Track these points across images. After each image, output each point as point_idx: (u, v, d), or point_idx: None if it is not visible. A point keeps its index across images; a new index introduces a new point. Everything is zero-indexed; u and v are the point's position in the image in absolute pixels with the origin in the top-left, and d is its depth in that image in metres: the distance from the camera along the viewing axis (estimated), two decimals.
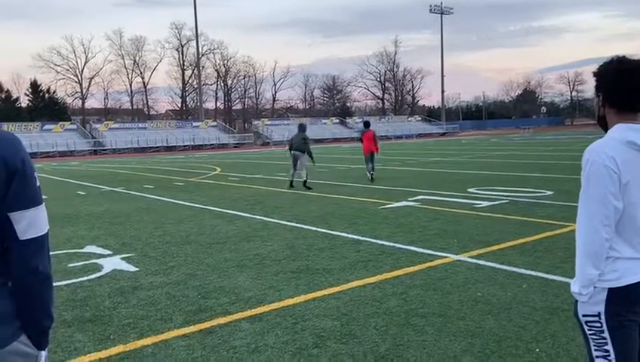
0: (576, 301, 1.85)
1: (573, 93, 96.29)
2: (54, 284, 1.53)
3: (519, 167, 16.19)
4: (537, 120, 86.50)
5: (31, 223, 1.43)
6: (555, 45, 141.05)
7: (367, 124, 14.79)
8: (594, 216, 1.75)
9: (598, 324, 1.78)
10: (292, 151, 12.82)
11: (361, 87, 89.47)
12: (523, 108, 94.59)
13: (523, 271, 5.02)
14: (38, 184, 1.47)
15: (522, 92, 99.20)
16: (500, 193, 10.39)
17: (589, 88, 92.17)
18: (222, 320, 4.03)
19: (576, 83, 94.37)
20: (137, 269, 5.65)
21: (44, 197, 1.49)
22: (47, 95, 63.22)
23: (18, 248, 1.42)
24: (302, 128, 13.01)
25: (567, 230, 6.69)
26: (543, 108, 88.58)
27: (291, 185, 12.73)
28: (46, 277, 1.47)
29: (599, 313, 1.77)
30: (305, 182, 12.49)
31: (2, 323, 1.40)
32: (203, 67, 71.90)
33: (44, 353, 1.50)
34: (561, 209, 8.31)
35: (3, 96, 60.91)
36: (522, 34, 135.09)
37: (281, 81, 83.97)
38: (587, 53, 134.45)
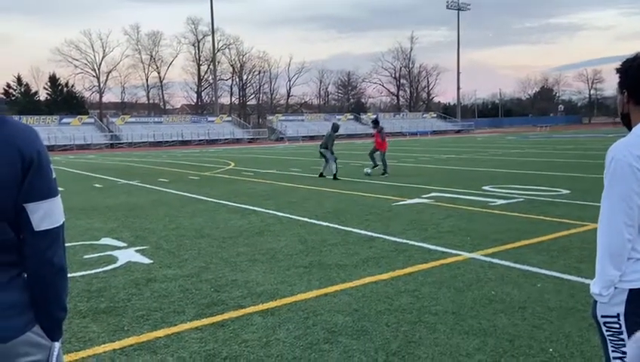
0: (595, 301, 1.81)
1: (592, 91, 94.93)
2: (70, 275, 1.54)
3: (535, 165, 16.00)
4: (555, 118, 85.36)
5: (46, 214, 1.43)
6: (573, 43, 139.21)
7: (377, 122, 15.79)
8: (616, 216, 1.71)
9: (617, 326, 1.75)
10: (320, 148, 14.45)
11: (375, 83, 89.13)
12: (540, 106, 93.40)
13: (537, 270, 4.96)
14: (53, 176, 1.48)
15: (540, 90, 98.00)
16: (516, 191, 10.27)
17: (607, 86, 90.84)
18: (234, 314, 4.05)
19: (594, 81, 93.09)
20: (151, 262, 5.70)
21: (61, 189, 1.51)
22: (65, 89, 64.01)
23: (33, 239, 1.43)
24: (332, 128, 14.50)
25: (583, 229, 6.60)
26: (561, 106, 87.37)
27: (334, 178, 13.68)
28: (60, 269, 1.48)
29: (619, 314, 1.74)
30: (334, 175, 13.76)
31: (16, 313, 1.41)
32: (218, 62, 72.18)
33: (57, 344, 1.51)
34: (578, 208, 8.20)
35: (22, 89, 61.78)
36: (539, 31, 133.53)
37: (296, 76, 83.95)
38: (606, 51, 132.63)
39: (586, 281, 4.45)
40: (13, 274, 1.44)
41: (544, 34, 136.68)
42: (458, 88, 76.54)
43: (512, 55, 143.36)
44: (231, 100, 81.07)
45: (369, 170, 14.36)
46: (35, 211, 1.42)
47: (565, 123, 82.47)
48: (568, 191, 10.02)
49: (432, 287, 4.55)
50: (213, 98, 69.39)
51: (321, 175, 14.12)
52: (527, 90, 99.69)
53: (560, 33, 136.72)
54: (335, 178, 13.59)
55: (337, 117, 66.25)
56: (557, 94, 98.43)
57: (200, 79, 77.39)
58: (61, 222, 1.48)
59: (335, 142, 14.42)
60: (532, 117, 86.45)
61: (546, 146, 26.84)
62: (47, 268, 1.45)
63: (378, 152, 14.48)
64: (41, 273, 1.45)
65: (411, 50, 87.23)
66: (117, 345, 3.57)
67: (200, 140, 52.59)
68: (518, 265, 5.13)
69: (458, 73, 75.10)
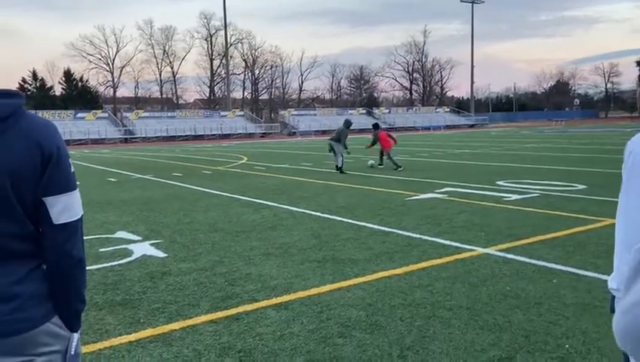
0: (613, 297, 1.79)
1: (609, 85, 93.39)
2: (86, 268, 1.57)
3: (551, 160, 15.82)
4: (570, 112, 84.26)
5: (65, 208, 1.45)
6: (589, 36, 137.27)
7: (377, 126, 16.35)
8: (634, 210, 1.68)
9: None
10: (329, 140, 14.69)
11: (388, 77, 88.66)
12: (556, 100, 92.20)
13: (553, 265, 4.91)
14: (72, 170, 1.49)
15: (555, 83, 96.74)
16: (531, 186, 10.17)
17: (625, 80, 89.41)
18: (248, 307, 4.07)
19: (611, 74, 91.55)
20: (166, 255, 5.75)
21: (76, 183, 1.52)
22: (80, 84, 64.63)
23: (52, 232, 1.44)
24: (345, 124, 14.74)
25: (600, 225, 6.51)
26: (577, 100, 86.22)
27: (338, 170, 14.12)
28: (79, 261, 1.50)
29: None
30: (339, 168, 13.97)
31: (36, 304, 1.43)
32: (231, 57, 72.42)
33: (76, 335, 1.53)
34: (594, 203, 8.09)
35: (38, 84, 62.48)
36: (554, 24, 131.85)
37: (308, 71, 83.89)
38: (623, 44, 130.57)
39: (603, 277, 4.40)
40: (32, 265, 1.46)
41: (559, 27, 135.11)
42: (472, 82, 75.99)
43: (527, 48, 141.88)
44: (243, 95, 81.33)
45: (397, 168, 14.32)
46: (54, 205, 1.43)
47: (581, 117, 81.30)
48: (584, 187, 9.90)
49: (446, 282, 4.53)
50: (226, 93, 69.63)
51: (336, 168, 14.21)
52: (542, 84, 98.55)
53: (575, 26, 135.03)
54: (340, 171, 13.68)
55: (350, 111, 65.97)
56: (573, 88, 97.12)
57: (212, 74, 77.69)
58: (80, 215, 1.50)
59: (348, 137, 14.40)
60: (547, 111, 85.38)
61: (562, 141, 26.51)
62: (66, 260, 1.47)
63: (390, 151, 14.52)
64: (61, 265, 1.47)
65: (424, 43, 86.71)
66: (133, 337, 3.61)
67: (213, 135, 52.82)
68: (533, 261, 5.08)
69: (472, 67, 74.50)
